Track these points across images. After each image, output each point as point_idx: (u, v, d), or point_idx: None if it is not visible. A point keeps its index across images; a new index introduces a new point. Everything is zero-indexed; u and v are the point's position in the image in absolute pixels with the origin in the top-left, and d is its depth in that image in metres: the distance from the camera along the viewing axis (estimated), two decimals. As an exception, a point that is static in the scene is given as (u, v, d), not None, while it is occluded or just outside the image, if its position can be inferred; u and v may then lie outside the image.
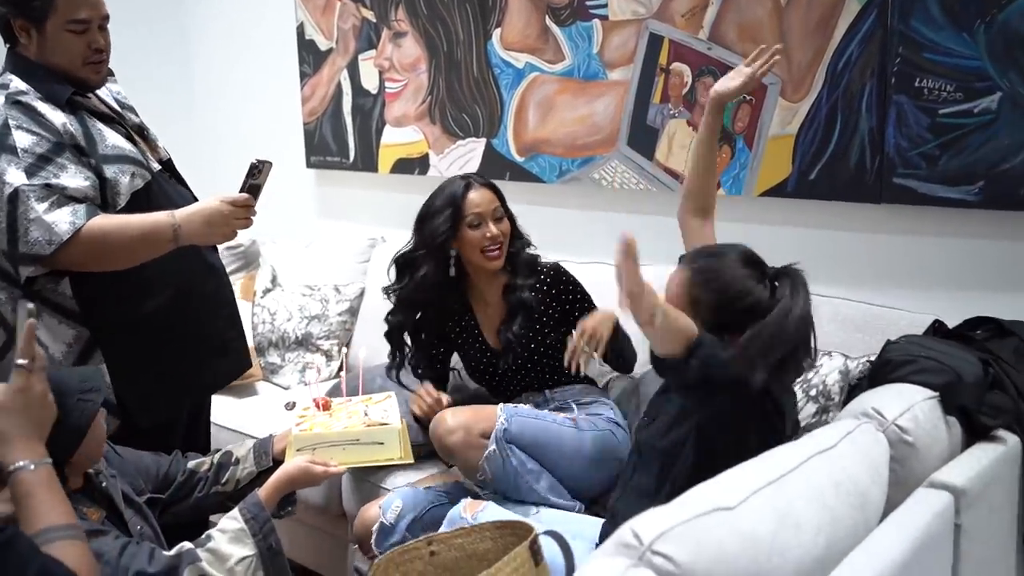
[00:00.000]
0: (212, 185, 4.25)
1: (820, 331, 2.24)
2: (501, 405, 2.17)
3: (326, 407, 2.02)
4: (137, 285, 2.01)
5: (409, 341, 2.47)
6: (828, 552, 1.27)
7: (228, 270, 3.63)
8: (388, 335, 2.46)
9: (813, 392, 2.05)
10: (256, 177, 1.98)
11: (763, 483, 1.26)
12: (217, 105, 4.27)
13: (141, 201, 2.01)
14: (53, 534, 1.31)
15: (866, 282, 2.37)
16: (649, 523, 1.10)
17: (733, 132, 2.56)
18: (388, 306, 3.10)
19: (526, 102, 3.03)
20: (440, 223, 2.31)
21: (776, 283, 1.69)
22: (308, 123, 3.78)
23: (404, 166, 3.45)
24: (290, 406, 2.09)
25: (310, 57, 3.71)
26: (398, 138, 3.44)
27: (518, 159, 3.08)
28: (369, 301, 3.32)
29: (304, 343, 3.27)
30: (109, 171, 1.98)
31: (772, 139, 2.48)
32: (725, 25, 2.53)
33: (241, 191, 1.98)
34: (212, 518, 2.11)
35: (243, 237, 3.74)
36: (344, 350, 3.12)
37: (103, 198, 1.98)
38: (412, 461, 1.93)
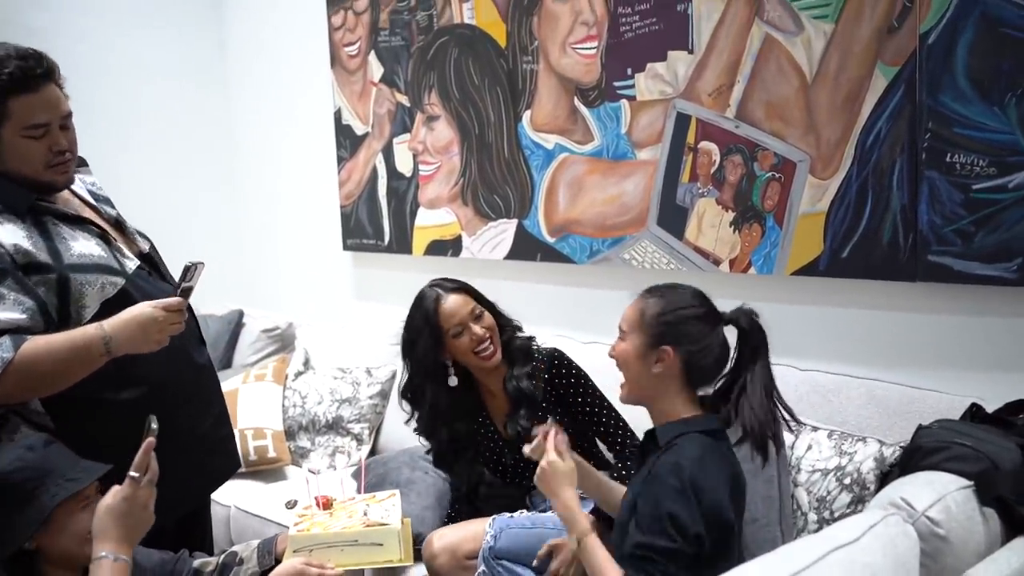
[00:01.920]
0: (249, 271, 4.37)
1: (855, 414, 2.18)
2: (492, 519, 2.16)
3: (327, 506, 1.98)
4: (108, 382, 1.92)
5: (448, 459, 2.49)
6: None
7: (265, 352, 3.73)
8: (435, 463, 2.50)
9: (847, 480, 1.96)
10: (189, 279, 1.92)
11: (775, 581, 1.18)
12: (257, 188, 4.34)
13: (114, 308, 1.92)
14: None
15: (901, 363, 2.28)
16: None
17: (763, 210, 2.51)
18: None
19: (556, 183, 3.03)
20: (424, 345, 2.34)
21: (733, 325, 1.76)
22: (345, 206, 3.82)
23: (438, 248, 3.45)
24: (291, 504, 2.06)
25: (347, 141, 3.76)
26: (432, 220, 3.46)
27: (549, 240, 3.06)
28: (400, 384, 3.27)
29: (335, 427, 3.24)
30: (75, 282, 1.90)
31: (803, 217, 2.43)
32: (752, 103, 2.50)
33: (174, 294, 1.92)
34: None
35: (280, 319, 3.81)
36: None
37: (64, 312, 1.90)
38: (411, 563, 1.88)
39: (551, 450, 1.80)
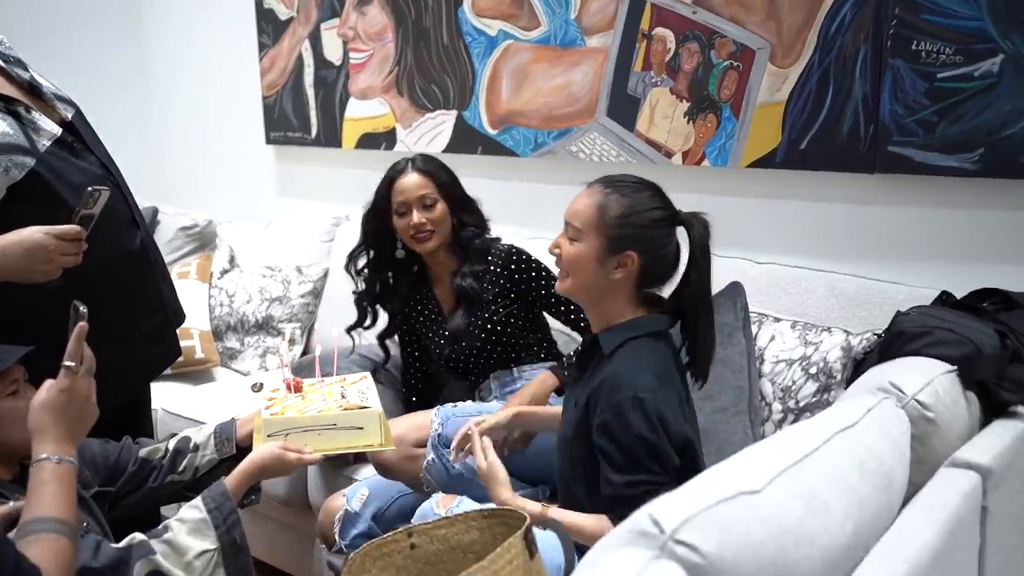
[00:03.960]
0: (163, 166, 4.13)
1: (815, 306, 2.16)
2: (436, 409, 2.10)
3: (297, 388, 1.85)
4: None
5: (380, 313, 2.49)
6: (855, 539, 1.15)
7: (183, 251, 3.55)
8: (357, 302, 2.47)
9: (813, 370, 1.94)
10: (90, 207, 1.73)
11: (786, 464, 1.13)
12: (171, 80, 4.07)
13: (27, 191, 1.75)
14: (43, 525, 1.32)
15: (861, 256, 2.27)
16: (669, 509, 0.97)
17: (719, 100, 2.44)
18: (350, 286, 2.97)
19: (499, 72, 2.89)
20: (374, 210, 2.36)
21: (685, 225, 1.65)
22: (267, 97, 3.61)
23: (370, 141, 3.30)
24: (257, 387, 1.92)
25: (269, 27, 3.53)
26: (363, 112, 3.29)
27: (491, 132, 2.94)
28: (333, 282, 3.17)
29: (265, 326, 3.12)
30: None
31: (760, 107, 2.37)
32: (711, -13, 2.40)
33: (71, 221, 1.72)
34: (164, 510, 1.95)
35: (199, 216, 3.61)
36: (293, 331, 2.98)
37: None
38: (393, 447, 1.78)
39: (479, 457, 1.70)
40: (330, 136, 3.41)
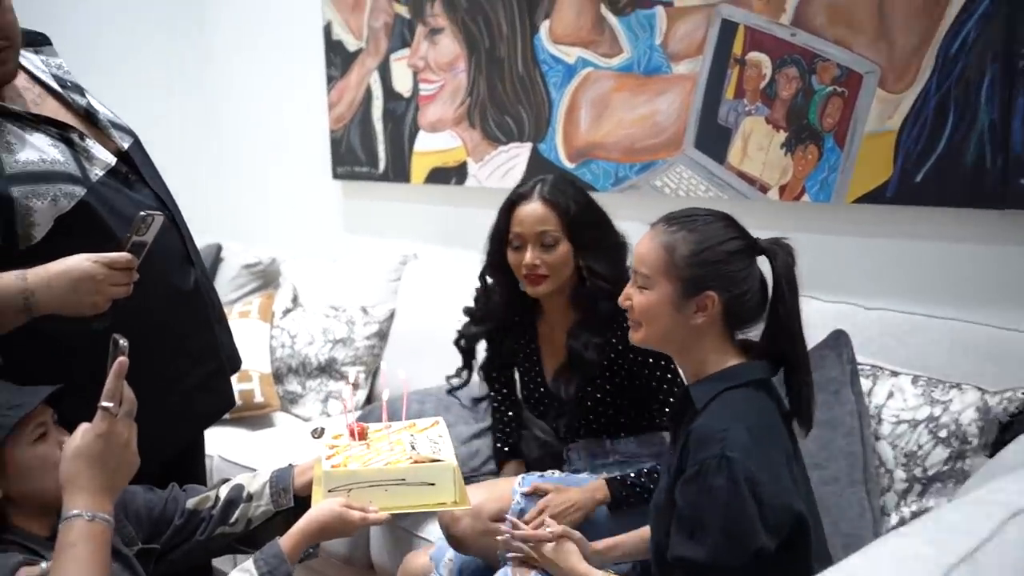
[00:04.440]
0: (228, 203, 4.04)
1: (938, 359, 1.92)
2: (520, 478, 1.94)
3: (362, 435, 1.66)
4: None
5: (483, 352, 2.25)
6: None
7: (246, 290, 3.44)
8: (456, 343, 2.24)
9: (943, 433, 1.70)
10: (142, 233, 1.59)
11: (952, 559, 0.91)
12: (237, 113, 3.99)
13: (75, 224, 1.63)
14: None
15: (988, 302, 2.01)
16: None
17: (821, 129, 2.22)
18: (421, 329, 2.80)
19: (578, 102, 2.72)
20: (492, 236, 2.10)
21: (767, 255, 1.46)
22: (335, 131, 3.49)
23: (440, 176, 3.14)
24: (317, 433, 1.72)
25: (338, 59, 3.42)
26: (433, 145, 3.15)
27: (568, 165, 2.76)
28: (400, 324, 3.04)
29: (327, 369, 2.99)
30: (19, 196, 1.59)
31: (869, 136, 2.15)
32: (813, 6, 2.20)
33: (121, 249, 1.58)
34: (216, 563, 1.79)
35: (263, 253, 3.50)
36: (358, 374, 2.80)
37: (9, 233, 1.60)
38: (469, 506, 1.57)
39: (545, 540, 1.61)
40: (398, 170, 3.28)
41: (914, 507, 1.71)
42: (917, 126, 2.07)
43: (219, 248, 3.57)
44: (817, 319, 2.12)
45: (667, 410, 1.95)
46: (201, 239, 3.56)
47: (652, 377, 1.98)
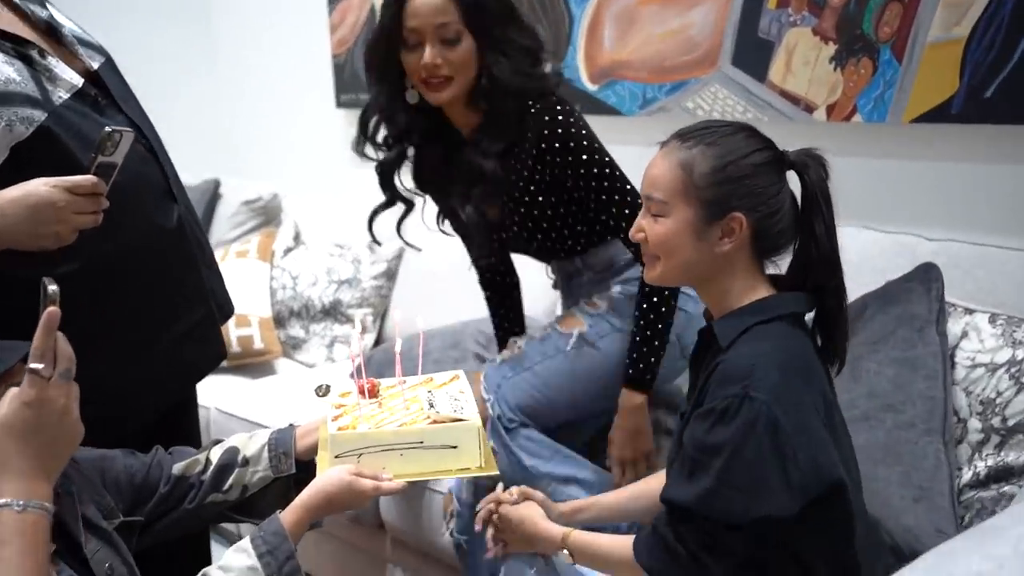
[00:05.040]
0: (225, 136, 3.84)
1: (1013, 294, 1.72)
2: (482, 381, 1.80)
3: (372, 392, 1.46)
4: (25, 254, 1.41)
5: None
6: None
7: (247, 227, 3.23)
8: (380, 180, 2.00)
9: (981, 408, 1.51)
10: (109, 152, 1.38)
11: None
12: (232, 38, 3.75)
13: (35, 153, 1.43)
14: None
15: (1068, 231, 1.80)
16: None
17: (876, 40, 1.99)
18: (431, 268, 2.63)
19: (601, 16, 2.48)
20: (379, 37, 1.78)
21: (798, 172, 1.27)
22: (338, 55, 3.26)
23: None
24: (322, 390, 1.52)
25: (337, -23, 3.18)
26: None
27: (590, 88, 2.53)
28: (409, 263, 2.84)
29: (332, 312, 2.81)
30: None
31: (932, 46, 1.91)
32: (870, -101, 1.95)
33: (87, 172, 1.38)
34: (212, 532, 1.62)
35: (264, 189, 3.31)
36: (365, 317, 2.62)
37: None
38: (496, 472, 1.37)
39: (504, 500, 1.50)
40: (406, 97, 3.04)
41: (990, 461, 1.52)
42: (990, 33, 1.84)
43: (217, 183, 3.40)
44: (873, 251, 1.92)
45: (626, 213, 1.76)
46: (198, 174, 3.45)
47: (588, 188, 1.78)
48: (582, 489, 1.78)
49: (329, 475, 1.32)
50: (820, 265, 1.25)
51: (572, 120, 1.78)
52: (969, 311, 1.66)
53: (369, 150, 1.96)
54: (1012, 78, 1.82)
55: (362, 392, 1.44)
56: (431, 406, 1.35)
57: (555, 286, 2.08)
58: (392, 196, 2.00)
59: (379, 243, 2.09)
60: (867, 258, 1.90)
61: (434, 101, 1.78)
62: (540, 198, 1.83)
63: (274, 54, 3.57)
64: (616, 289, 1.89)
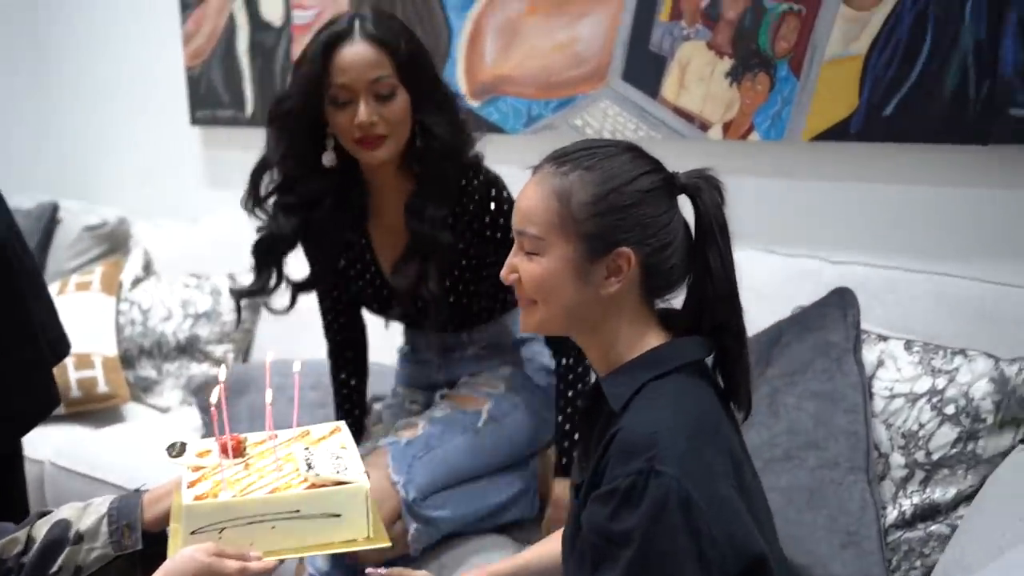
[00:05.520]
0: (64, 153, 3.50)
1: (922, 320, 1.65)
2: (389, 464, 1.62)
3: (237, 451, 1.23)
4: None
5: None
6: None
7: (89, 256, 2.95)
8: (257, 250, 1.78)
9: (950, 409, 1.41)
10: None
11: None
12: (72, 47, 3.45)
13: None
14: None
15: (973, 253, 1.75)
16: None
17: (773, 55, 1.91)
18: (302, 297, 2.42)
19: (482, 28, 2.34)
20: (300, 89, 1.63)
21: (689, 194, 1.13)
22: (192, 68, 3.03)
23: None
24: (175, 450, 1.27)
25: (193, -17, 2.94)
26: None
27: (471, 104, 2.39)
28: (277, 293, 2.56)
29: (189, 350, 2.57)
30: None
31: (830, 63, 1.85)
32: (763, -92, 1.88)
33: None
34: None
35: (109, 213, 3.07)
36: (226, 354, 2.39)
37: None
38: (388, 543, 1.17)
39: None
40: (269, 114, 2.82)
41: (916, 498, 1.43)
42: (888, 49, 1.79)
43: (55, 207, 3.08)
44: (777, 276, 1.84)
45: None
46: (31, 196, 3.12)
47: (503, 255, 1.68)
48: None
49: (182, 556, 1.09)
50: (717, 303, 1.10)
51: (507, 194, 1.73)
52: (883, 338, 1.58)
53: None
54: (911, 95, 1.77)
55: (224, 450, 1.21)
56: (309, 466, 1.14)
57: (407, 354, 1.95)
58: (269, 275, 1.80)
59: (272, 310, 1.91)
60: (771, 283, 1.81)
61: (370, 161, 1.65)
62: (463, 272, 1.73)
63: (118, 63, 3.30)
64: (507, 370, 1.83)
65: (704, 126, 2.03)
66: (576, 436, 1.66)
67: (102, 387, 2.45)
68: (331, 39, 1.60)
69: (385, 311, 1.86)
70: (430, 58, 1.69)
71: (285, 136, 1.67)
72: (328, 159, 1.66)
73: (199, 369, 2.52)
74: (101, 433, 2.37)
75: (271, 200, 1.74)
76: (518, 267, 1.12)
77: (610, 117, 2.17)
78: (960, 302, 1.62)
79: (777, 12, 1.90)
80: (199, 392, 2.26)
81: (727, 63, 1.98)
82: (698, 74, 2.03)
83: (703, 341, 1.12)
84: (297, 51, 2.66)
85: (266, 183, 1.73)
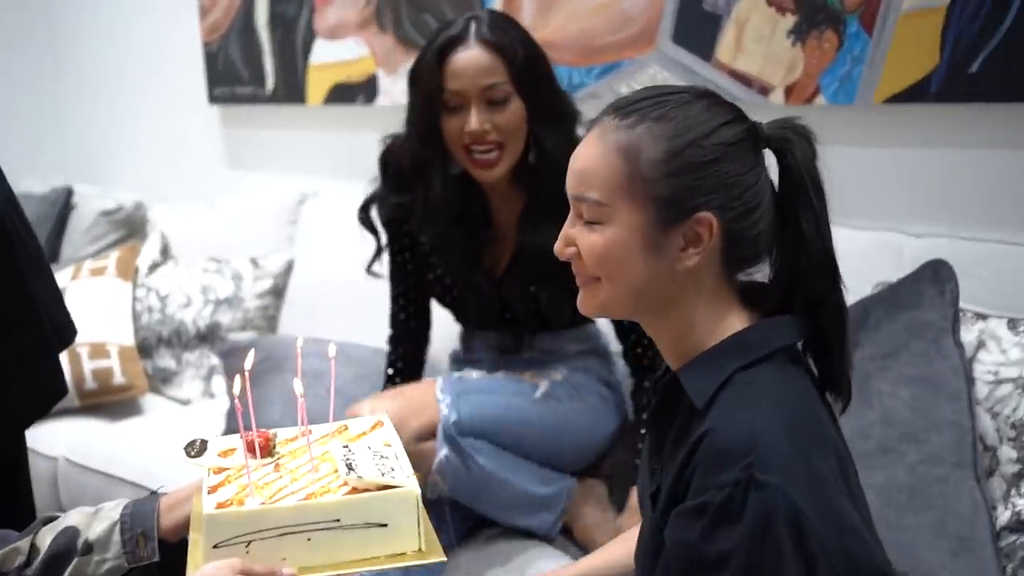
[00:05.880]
0: (78, 136, 3.43)
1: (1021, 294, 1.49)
2: (439, 382, 1.61)
3: (265, 449, 1.08)
4: None
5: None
6: None
7: (106, 242, 2.86)
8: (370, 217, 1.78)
9: (1014, 434, 1.26)
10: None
11: None
12: (85, 25, 3.35)
13: None
14: None
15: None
16: None
17: (842, 9, 1.76)
18: (326, 281, 2.34)
19: (518, -10, 2.20)
20: (415, 103, 1.63)
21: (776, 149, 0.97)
22: (209, 43, 2.92)
23: (343, 94, 2.62)
24: (195, 449, 1.12)
25: (209, -47, 2.83)
26: (334, 55, 2.61)
27: (507, 73, 2.23)
28: (300, 277, 2.54)
29: (209, 338, 2.47)
30: None
31: (907, 16, 1.69)
32: None
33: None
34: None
35: (125, 197, 3.00)
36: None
37: None
38: (443, 559, 1.01)
39: None
40: (291, 90, 2.74)
41: (1031, 498, 1.26)
42: (973, 1, 1.62)
43: (69, 192, 3.01)
44: (851, 251, 1.60)
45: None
46: (44, 181, 3.03)
47: None
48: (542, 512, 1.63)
49: (204, 573, 0.94)
50: (812, 275, 0.94)
51: None
52: (981, 316, 1.42)
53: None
54: (1001, 51, 1.61)
55: (251, 449, 1.06)
56: (349, 468, 0.98)
57: (458, 356, 1.90)
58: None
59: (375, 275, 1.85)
60: (846, 260, 1.61)
61: (485, 179, 1.63)
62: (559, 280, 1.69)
63: (132, 41, 3.21)
64: (565, 370, 1.76)
65: (765, 90, 1.88)
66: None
67: (118, 378, 2.35)
68: (446, 44, 1.58)
69: (460, 308, 1.81)
70: (550, 67, 1.65)
71: (420, 147, 1.65)
72: (455, 167, 1.65)
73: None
74: (117, 427, 2.28)
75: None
76: (576, 239, 0.96)
77: (660, 84, 2.02)
78: (1066, 275, 1.46)
79: (845, -36, 1.74)
80: (228, 356, 2.13)
81: (790, 20, 1.82)
82: (757, 33, 1.87)
83: (795, 321, 0.96)
84: (320, 21, 2.58)
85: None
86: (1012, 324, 1.38)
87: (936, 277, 1.43)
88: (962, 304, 1.45)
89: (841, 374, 0.98)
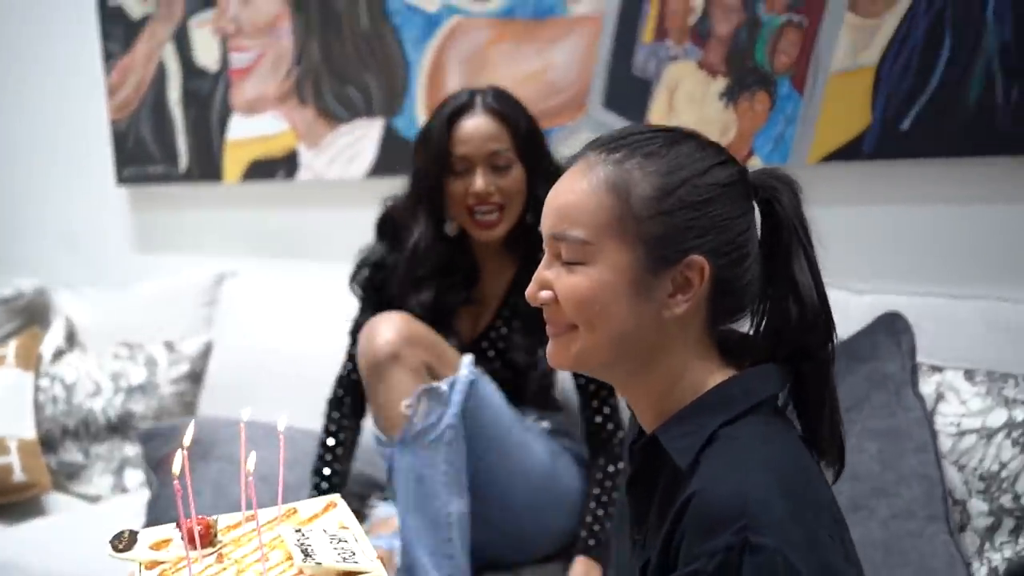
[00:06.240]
0: None
1: (967, 347, 1.47)
2: (468, 356, 1.57)
3: (206, 538, 0.95)
4: None
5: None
6: None
7: (3, 330, 2.66)
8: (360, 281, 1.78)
9: (983, 486, 1.22)
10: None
11: None
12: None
13: None
14: None
15: (1014, 274, 1.59)
16: None
17: (772, 72, 1.76)
18: (246, 364, 2.23)
19: (443, 61, 2.16)
20: (423, 167, 1.69)
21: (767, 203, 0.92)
22: (118, 121, 2.78)
23: (262, 170, 2.51)
24: (123, 541, 0.97)
25: (118, 30, 2.72)
26: (252, 131, 2.51)
27: (434, 143, 2.18)
28: (219, 359, 2.38)
29: (121, 429, 2.29)
30: None
31: (837, 76, 1.71)
32: (754, -85, 1.74)
33: None
34: None
35: (25, 284, 2.84)
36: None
37: None
38: None
39: None
40: (206, 167, 2.61)
41: (1007, 551, 1.23)
42: (902, 58, 1.65)
43: None
44: None
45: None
46: None
47: None
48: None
49: None
50: (804, 326, 0.88)
51: None
52: (937, 369, 1.40)
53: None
54: (931, 107, 1.63)
55: (190, 538, 0.93)
56: (306, 554, 0.87)
57: None
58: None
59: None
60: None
61: (486, 239, 1.69)
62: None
63: (36, 121, 3.04)
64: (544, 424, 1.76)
65: (698, 153, 1.87)
66: (608, 514, 1.54)
67: (18, 475, 2.17)
68: (454, 112, 1.66)
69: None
70: (543, 136, 1.74)
71: (421, 203, 1.70)
72: (450, 228, 1.70)
73: (133, 451, 2.23)
74: (18, 530, 2.07)
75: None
76: (552, 282, 0.88)
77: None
78: (1014, 326, 1.45)
79: (775, 25, 1.75)
80: (149, 441, 1.96)
81: (721, 83, 1.82)
82: (689, 97, 1.86)
83: (775, 370, 0.90)
84: (236, 97, 2.49)
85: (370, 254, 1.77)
86: (969, 375, 1.36)
87: (892, 329, 1.41)
88: (920, 357, 1.43)
89: (827, 431, 0.91)
